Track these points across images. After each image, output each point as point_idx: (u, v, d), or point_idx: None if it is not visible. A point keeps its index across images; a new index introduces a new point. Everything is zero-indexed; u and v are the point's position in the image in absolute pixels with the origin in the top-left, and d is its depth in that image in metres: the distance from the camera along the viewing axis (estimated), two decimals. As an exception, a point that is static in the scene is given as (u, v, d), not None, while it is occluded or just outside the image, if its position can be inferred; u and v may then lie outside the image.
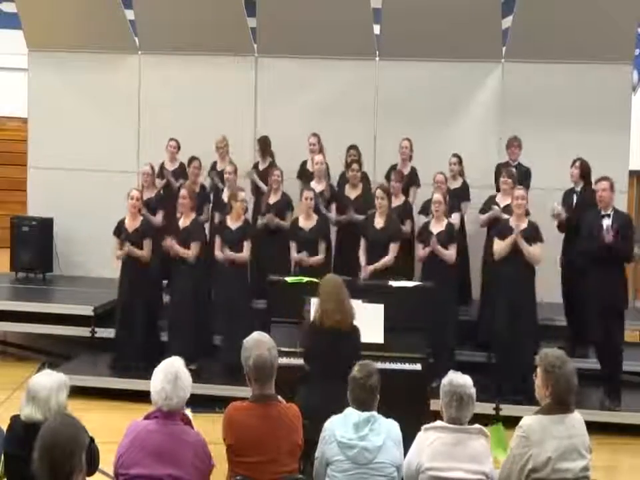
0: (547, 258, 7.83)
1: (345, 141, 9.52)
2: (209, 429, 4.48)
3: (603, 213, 7.34)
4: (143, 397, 4.14)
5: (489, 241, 8.06)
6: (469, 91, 10.09)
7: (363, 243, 8.02)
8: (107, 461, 4.05)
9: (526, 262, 7.47)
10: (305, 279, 6.79)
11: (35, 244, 10.46)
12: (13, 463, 3.99)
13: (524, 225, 7.53)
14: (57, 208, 10.58)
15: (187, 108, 10.32)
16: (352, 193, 8.94)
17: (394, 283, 7.03)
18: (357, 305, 5.86)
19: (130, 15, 10.45)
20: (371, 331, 6.04)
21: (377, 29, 10.11)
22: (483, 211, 8.60)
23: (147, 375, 4.11)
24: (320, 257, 8.10)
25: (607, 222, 7.23)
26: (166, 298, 8.58)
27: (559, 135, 9.69)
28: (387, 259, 7.83)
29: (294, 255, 8.12)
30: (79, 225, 10.49)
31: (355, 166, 8.89)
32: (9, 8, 12.12)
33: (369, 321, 5.97)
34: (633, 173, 10.56)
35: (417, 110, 10.05)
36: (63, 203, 10.55)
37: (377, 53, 10.25)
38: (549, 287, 8.41)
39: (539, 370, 4.14)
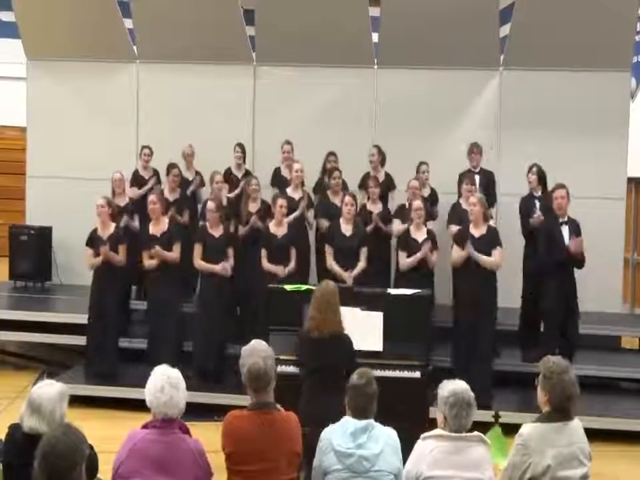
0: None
1: (343, 148, 9.50)
2: (207, 437, 4.46)
3: (560, 220, 7.59)
4: (141, 405, 4.12)
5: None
6: (467, 98, 10.10)
7: (329, 250, 8.01)
8: (104, 471, 4.04)
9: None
10: (304, 287, 6.77)
11: (34, 253, 10.46)
12: (12, 472, 3.97)
13: (482, 231, 7.57)
14: (56, 217, 10.56)
15: (185, 116, 10.31)
16: (336, 199, 8.83)
17: (392, 291, 7.03)
18: (355, 312, 5.85)
19: (128, 23, 10.47)
20: (370, 339, 6.03)
21: (375, 37, 10.13)
22: (450, 221, 8.51)
23: (141, 384, 4.09)
24: (292, 266, 8.05)
25: (566, 231, 7.51)
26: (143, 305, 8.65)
27: (557, 143, 9.68)
28: (363, 265, 7.91)
29: (265, 263, 8.05)
30: (78, 233, 10.31)
31: (337, 173, 8.87)
32: (8, 17, 12.12)
33: (368, 329, 5.95)
34: (631, 180, 10.56)
35: (415, 118, 10.06)
36: (62, 212, 10.50)
37: (376, 61, 10.26)
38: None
39: (539, 376, 4.14)
